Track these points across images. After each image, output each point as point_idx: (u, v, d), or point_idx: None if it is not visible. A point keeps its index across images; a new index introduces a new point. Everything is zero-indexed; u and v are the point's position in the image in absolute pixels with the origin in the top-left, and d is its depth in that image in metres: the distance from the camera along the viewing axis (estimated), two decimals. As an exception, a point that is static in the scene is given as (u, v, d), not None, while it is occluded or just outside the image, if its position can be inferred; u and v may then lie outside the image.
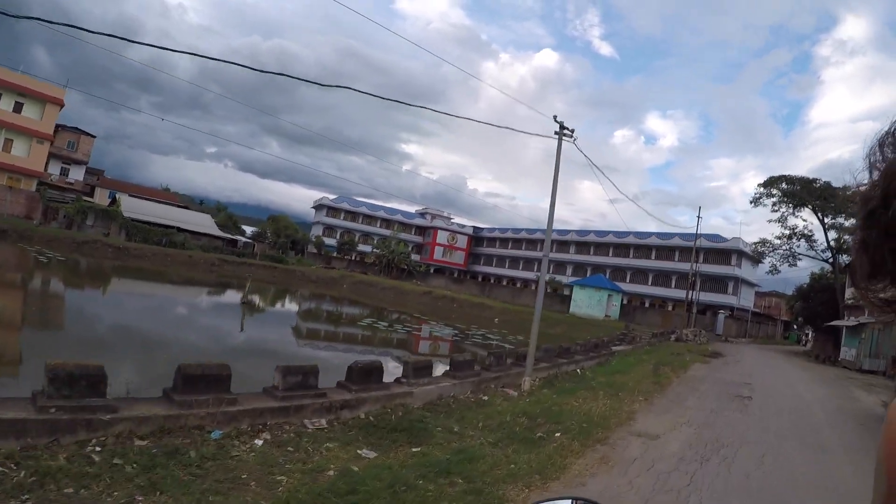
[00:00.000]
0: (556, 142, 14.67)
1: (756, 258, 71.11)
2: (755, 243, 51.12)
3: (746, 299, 70.69)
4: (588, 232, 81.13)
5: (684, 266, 64.00)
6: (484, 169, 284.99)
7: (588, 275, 69.27)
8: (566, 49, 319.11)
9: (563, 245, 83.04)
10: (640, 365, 20.14)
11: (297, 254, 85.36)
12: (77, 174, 68.81)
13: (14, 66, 59.52)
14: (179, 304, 33.81)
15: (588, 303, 54.58)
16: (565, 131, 14.73)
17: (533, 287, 77.13)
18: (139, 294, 35.34)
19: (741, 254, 66.79)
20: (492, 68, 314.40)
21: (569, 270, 78.60)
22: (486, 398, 11.96)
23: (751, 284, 72.14)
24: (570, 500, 1.98)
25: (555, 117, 14.64)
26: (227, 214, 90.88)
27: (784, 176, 47.30)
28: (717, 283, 66.54)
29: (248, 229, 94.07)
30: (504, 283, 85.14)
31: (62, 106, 60.01)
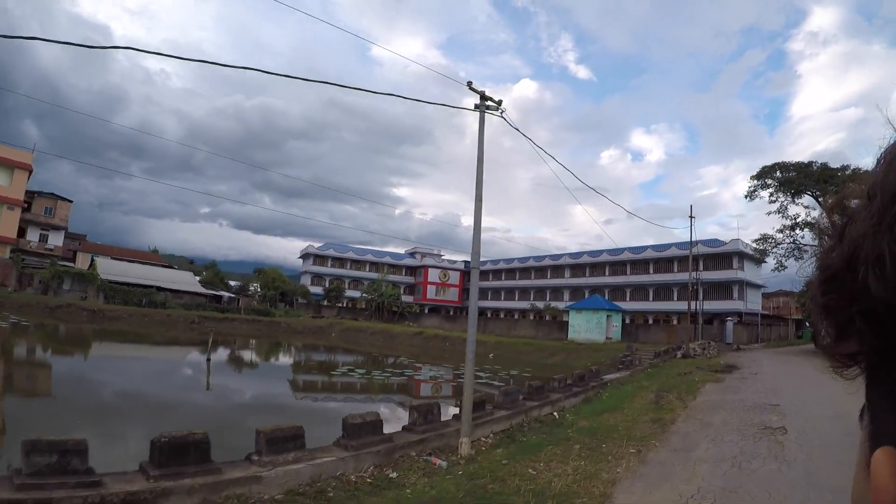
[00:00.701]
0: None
1: (758, 258, 66.68)
2: (756, 241, 47.00)
3: (754, 302, 66.31)
4: (581, 254, 77.22)
5: (684, 276, 59.81)
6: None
7: (586, 297, 64.90)
8: (544, 77, 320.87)
9: (557, 270, 79.23)
10: (639, 395, 16.16)
11: (286, 305, 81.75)
12: (56, 240, 66.70)
13: (7, 139, 58.67)
14: (144, 366, 30.12)
15: (587, 327, 50.27)
16: (488, 102, 11.08)
17: (531, 316, 73.19)
18: (100, 357, 32.31)
19: (742, 255, 62.70)
20: (472, 102, 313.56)
21: (566, 295, 74.36)
22: (394, 475, 7.99)
23: (756, 286, 67.79)
24: None
25: (469, 84, 11.08)
26: (213, 271, 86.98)
27: (777, 164, 43.46)
28: (721, 290, 62.34)
29: (235, 284, 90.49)
30: (502, 315, 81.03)
31: (31, 171, 58.76)
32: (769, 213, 45.00)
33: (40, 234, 64.74)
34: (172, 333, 48.03)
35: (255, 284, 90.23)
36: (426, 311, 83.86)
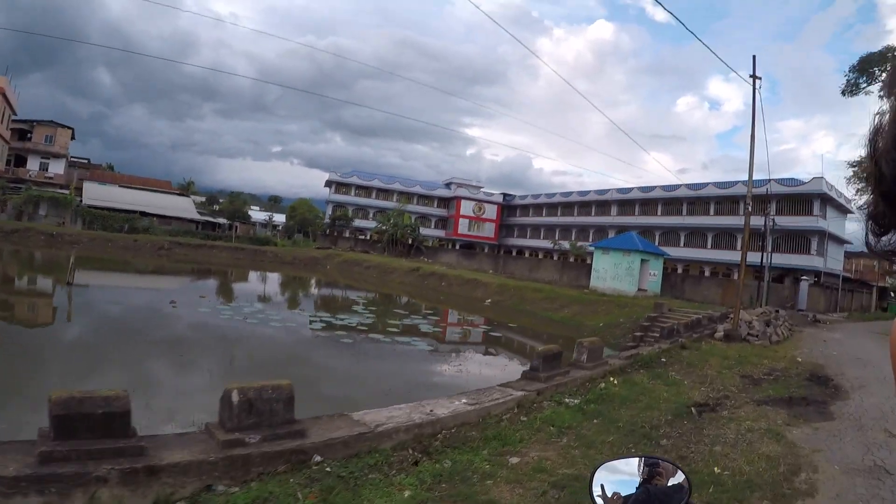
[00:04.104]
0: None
1: (845, 207, 51.15)
2: (851, 165, 31.07)
3: (835, 261, 50.82)
4: (630, 189, 62.59)
5: (754, 221, 45.27)
6: (549, 147, 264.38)
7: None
8: (620, 18, 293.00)
9: (603, 206, 65.14)
10: None
11: (305, 236, 72.12)
12: (57, 168, 61.15)
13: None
14: None
15: (614, 273, 37.02)
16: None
17: (557, 258, 60.14)
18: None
19: (826, 199, 47.13)
20: (546, 44, 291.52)
21: (611, 236, 60.50)
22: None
23: (840, 241, 52.08)
24: (638, 458, 1.63)
25: None
26: (239, 201, 77.54)
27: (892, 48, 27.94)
28: (797, 240, 47.24)
29: (260, 214, 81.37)
30: (527, 254, 67.89)
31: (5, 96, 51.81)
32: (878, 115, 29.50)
33: (40, 163, 60.28)
34: (137, 260, 42.69)
35: (276, 215, 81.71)
36: (457, 246, 71.93)
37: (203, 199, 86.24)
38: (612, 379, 8.83)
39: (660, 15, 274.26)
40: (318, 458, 4.97)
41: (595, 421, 6.73)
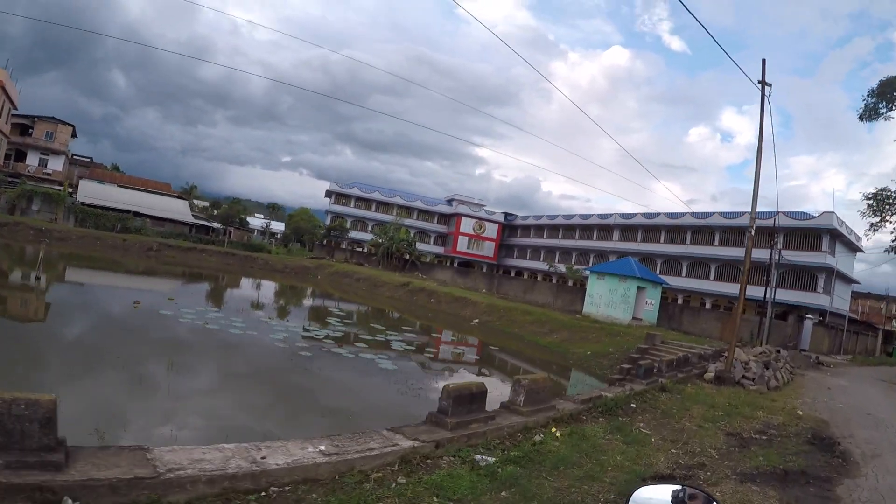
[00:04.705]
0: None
1: (855, 245, 48.80)
2: (867, 197, 28.28)
3: (842, 300, 48.38)
4: (633, 214, 60.41)
5: (759, 253, 43.16)
6: (558, 170, 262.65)
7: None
8: (635, 45, 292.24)
9: (605, 230, 63.01)
10: None
11: (303, 246, 70.46)
12: (56, 164, 60.10)
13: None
14: None
15: (608, 299, 34.89)
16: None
17: (555, 280, 58.08)
18: None
19: (835, 235, 44.82)
20: (561, 68, 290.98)
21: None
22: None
23: (848, 280, 49.72)
24: (678, 486, 1.66)
25: None
26: (234, 206, 76.03)
27: None
28: (803, 276, 44.95)
29: (258, 221, 79.88)
30: (525, 276, 65.69)
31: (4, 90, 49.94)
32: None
33: (40, 159, 59.20)
34: (125, 260, 41.59)
35: (275, 223, 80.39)
36: (455, 263, 69.83)
37: (207, 203, 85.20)
38: (554, 430, 6.77)
39: (675, 44, 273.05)
40: (70, 502, 3.41)
41: (504, 493, 4.73)
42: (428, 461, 5.33)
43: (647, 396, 9.67)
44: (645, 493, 1.61)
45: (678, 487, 1.63)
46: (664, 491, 1.61)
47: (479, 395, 6.43)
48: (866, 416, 12.19)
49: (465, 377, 19.89)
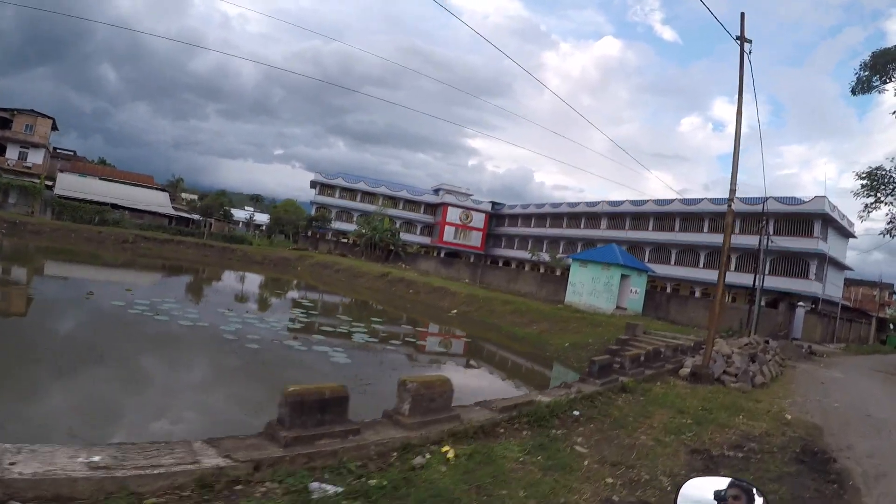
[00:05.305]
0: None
1: (847, 230, 46.97)
2: (861, 177, 26.05)
3: (835, 287, 46.63)
4: (622, 202, 58.53)
5: (748, 239, 41.39)
6: (550, 161, 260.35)
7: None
8: (627, 36, 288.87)
9: (593, 218, 61.13)
10: None
11: (286, 237, 68.54)
12: (36, 158, 58.03)
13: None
14: None
15: (591, 288, 33.01)
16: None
17: (542, 269, 56.24)
18: None
19: (827, 220, 43.05)
20: (553, 58, 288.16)
21: (600, 251, 56.33)
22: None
23: (841, 266, 47.97)
24: (728, 480, 1.71)
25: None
26: (224, 199, 73.97)
27: None
28: (795, 263, 43.26)
29: (242, 213, 77.96)
30: (513, 265, 63.81)
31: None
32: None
33: (20, 152, 57.09)
34: (100, 253, 40.16)
35: (261, 215, 78.67)
36: (441, 253, 67.83)
37: (195, 196, 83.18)
38: (446, 449, 4.90)
39: (667, 34, 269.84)
40: None
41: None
42: (238, 487, 3.64)
43: (599, 400, 7.72)
44: (695, 484, 1.66)
45: (728, 480, 1.66)
46: (716, 483, 1.63)
47: (334, 400, 4.63)
48: (865, 417, 10.30)
49: (426, 372, 18.11)
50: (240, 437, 4.42)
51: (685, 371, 11.73)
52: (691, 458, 6.01)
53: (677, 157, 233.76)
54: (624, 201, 58.23)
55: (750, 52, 12.74)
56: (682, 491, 1.63)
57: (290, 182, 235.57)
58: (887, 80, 23.82)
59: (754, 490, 1.64)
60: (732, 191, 12.71)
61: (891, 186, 24.90)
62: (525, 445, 5.49)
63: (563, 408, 6.88)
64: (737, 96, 12.59)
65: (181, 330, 16.58)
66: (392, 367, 17.66)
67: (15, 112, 56.86)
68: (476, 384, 16.34)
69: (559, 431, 6.22)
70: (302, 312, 25.23)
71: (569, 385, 8.03)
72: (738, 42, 12.30)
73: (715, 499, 1.60)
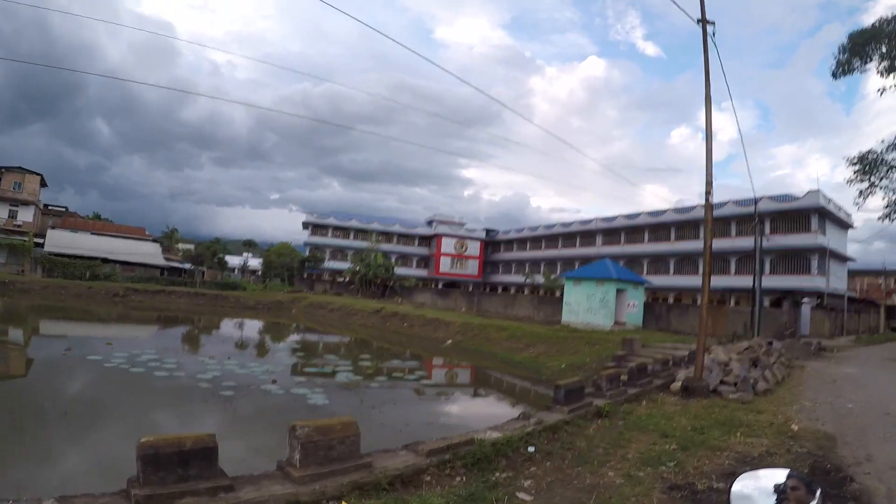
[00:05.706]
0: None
1: (845, 222, 45.77)
2: (853, 162, 24.86)
3: (838, 280, 45.22)
4: (615, 217, 57.49)
5: (745, 241, 40.41)
6: (546, 185, 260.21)
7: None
8: (611, 55, 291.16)
9: (588, 236, 60.09)
10: None
11: (282, 281, 67.46)
12: (26, 216, 57.52)
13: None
14: None
15: (587, 305, 31.74)
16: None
17: (541, 292, 54.90)
18: None
19: (824, 214, 41.97)
20: (539, 83, 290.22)
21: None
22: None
23: (843, 258, 46.65)
24: (785, 473, 1.65)
25: None
26: (217, 246, 73.19)
27: (887, 21, 22.35)
28: (795, 260, 42.10)
29: (237, 259, 77.00)
30: (512, 291, 62.52)
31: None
32: (880, 91, 23.49)
33: (9, 210, 56.80)
34: (85, 307, 39.14)
35: (252, 257, 77.71)
36: (439, 285, 66.56)
37: (191, 246, 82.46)
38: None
39: (650, 50, 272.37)
40: None
41: None
42: None
43: (565, 431, 6.44)
44: (751, 476, 1.61)
45: (786, 472, 1.61)
46: (771, 477, 1.58)
47: (198, 452, 3.62)
48: (885, 416, 8.91)
49: (409, 406, 16.82)
50: (95, 495, 3.81)
51: (677, 385, 10.42)
52: (668, 496, 4.73)
53: (671, 170, 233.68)
54: (617, 216, 57.24)
55: (713, 35, 11.76)
56: (738, 481, 1.55)
57: (287, 226, 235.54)
58: (867, 61, 22.80)
59: (812, 483, 1.56)
60: (709, 182, 11.58)
61: (884, 169, 23.76)
62: (451, 497, 4.26)
63: (514, 444, 5.64)
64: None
65: (155, 381, 15.58)
66: (371, 406, 16.34)
67: (3, 170, 56.69)
68: (457, 415, 15.16)
69: (503, 475, 4.99)
70: (287, 355, 24.17)
71: (528, 416, 6.76)
72: (700, 24, 11.32)
73: (778, 490, 1.53)
